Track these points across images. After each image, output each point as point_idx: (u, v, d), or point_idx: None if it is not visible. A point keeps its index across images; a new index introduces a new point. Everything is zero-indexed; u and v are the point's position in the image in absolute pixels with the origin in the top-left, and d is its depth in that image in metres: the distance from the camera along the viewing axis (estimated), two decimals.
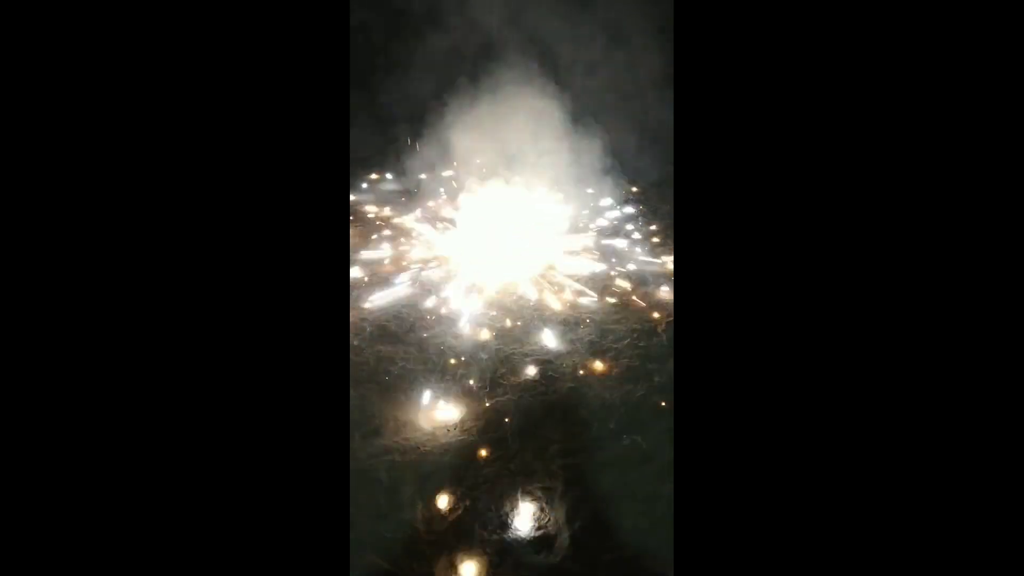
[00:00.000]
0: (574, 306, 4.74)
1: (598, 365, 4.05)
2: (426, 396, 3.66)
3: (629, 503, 2.94)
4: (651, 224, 6.13)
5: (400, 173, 6.72)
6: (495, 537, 2.76)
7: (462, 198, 5.80)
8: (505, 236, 5.35)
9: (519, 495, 2.98)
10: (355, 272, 5.06)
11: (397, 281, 4.87)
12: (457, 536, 2.76)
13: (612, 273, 5.22)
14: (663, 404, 3.64)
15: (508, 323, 4.49)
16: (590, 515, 2.90)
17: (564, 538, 2.75)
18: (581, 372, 3.95)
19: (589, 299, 4.83)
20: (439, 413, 3.56)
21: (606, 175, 6.32)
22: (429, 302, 4.67)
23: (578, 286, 5.00)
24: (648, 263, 5.38)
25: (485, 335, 4.33)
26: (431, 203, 6.36)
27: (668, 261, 5.41)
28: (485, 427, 3.46)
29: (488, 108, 5.77)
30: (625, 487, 3.04)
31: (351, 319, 4.38)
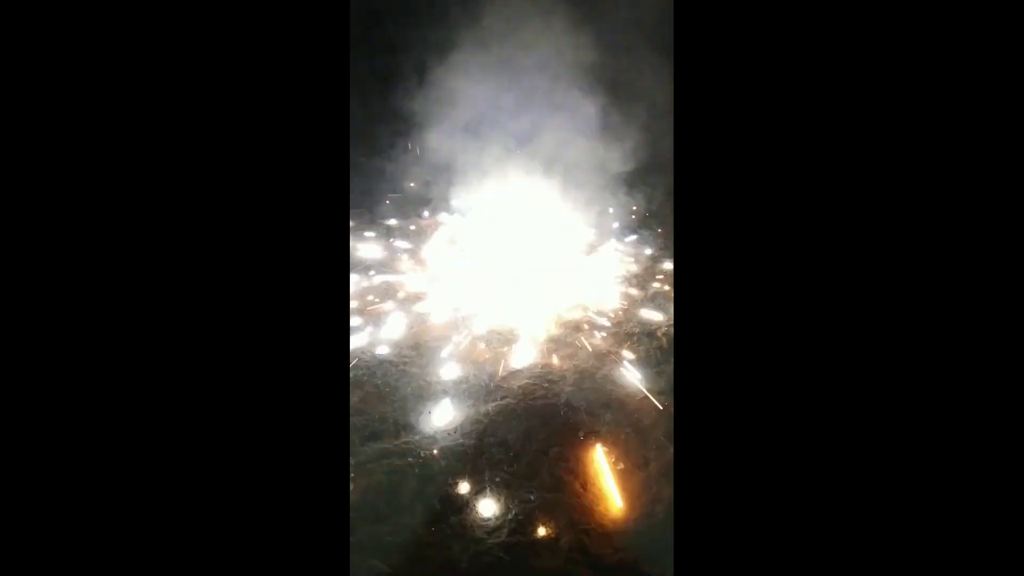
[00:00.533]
0: (575, 311, 4.75)
1: (598, 368, 4.05)
2: (426, 400, 3.67)
3: (630, 505, 2.94)
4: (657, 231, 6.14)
5: (405, 181, 6.67)
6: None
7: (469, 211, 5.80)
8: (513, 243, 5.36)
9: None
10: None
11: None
12: (457, 539, 2.76)
13: (616, 279, 5.24)
14: (662, 407, 3.64)
15: (509, 329, 4.49)
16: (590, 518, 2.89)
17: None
18: (580, 376, 3.95)
19: (590, 304, 4.84)
20: (439, 417, 3.56)
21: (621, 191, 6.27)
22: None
23: (579, 292, 5.01)
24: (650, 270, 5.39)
25: (485, 341, 4.33)
26: (434, 211, 6.34)
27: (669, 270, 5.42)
28: (484, 431, 3.45)
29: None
30: (626, 490, 3.04)
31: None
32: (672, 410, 3.48)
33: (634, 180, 6.54)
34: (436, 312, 4.71)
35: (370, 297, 4.97)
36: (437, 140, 6.05)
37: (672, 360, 3.91)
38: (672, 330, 4.26)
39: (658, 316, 4.69)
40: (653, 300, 4.94)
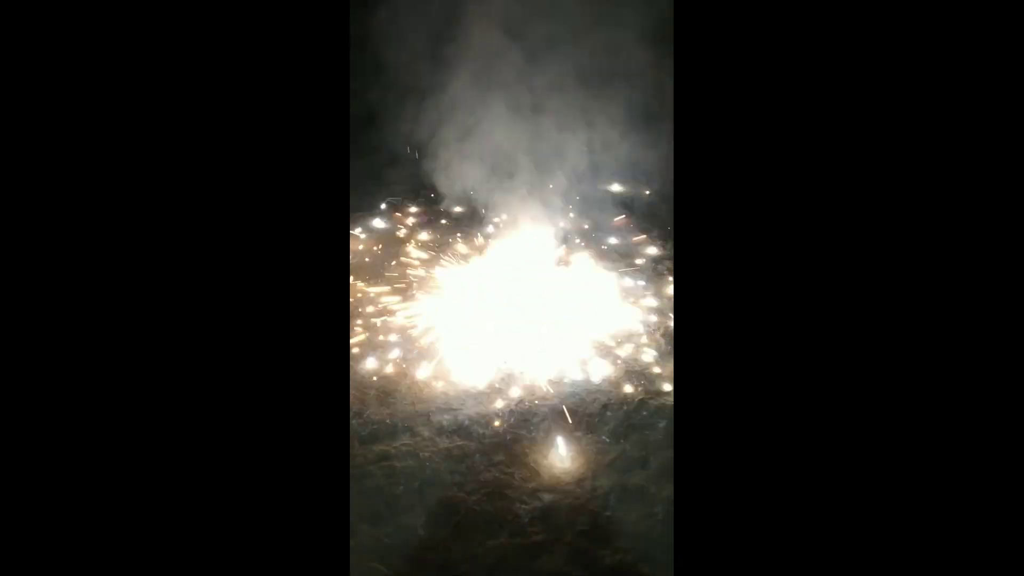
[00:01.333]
0: (573, 310, 4.74)
1: (597, 368, 4.04)
2: (428, 401, 3.66)
3: (629, 505, 2.94)
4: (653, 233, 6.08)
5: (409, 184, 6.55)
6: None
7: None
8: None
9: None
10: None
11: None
12: (458, 542, 2.75)
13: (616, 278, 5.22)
14: (662, 405, 3.64)
15: (509, 329, 4.48)
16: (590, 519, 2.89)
17: None
18: (580, 376, 3.95)
19: (588, 303, 4.84)
20: (438, 417, 3.55)
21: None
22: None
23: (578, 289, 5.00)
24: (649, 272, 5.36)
25: (486, 341, 4.32)
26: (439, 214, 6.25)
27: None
28: (485, 433, 3.45)
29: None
30: (625, 490, 3.04)
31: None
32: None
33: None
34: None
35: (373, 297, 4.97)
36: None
37: None
38: None
39: None
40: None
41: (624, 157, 5.73)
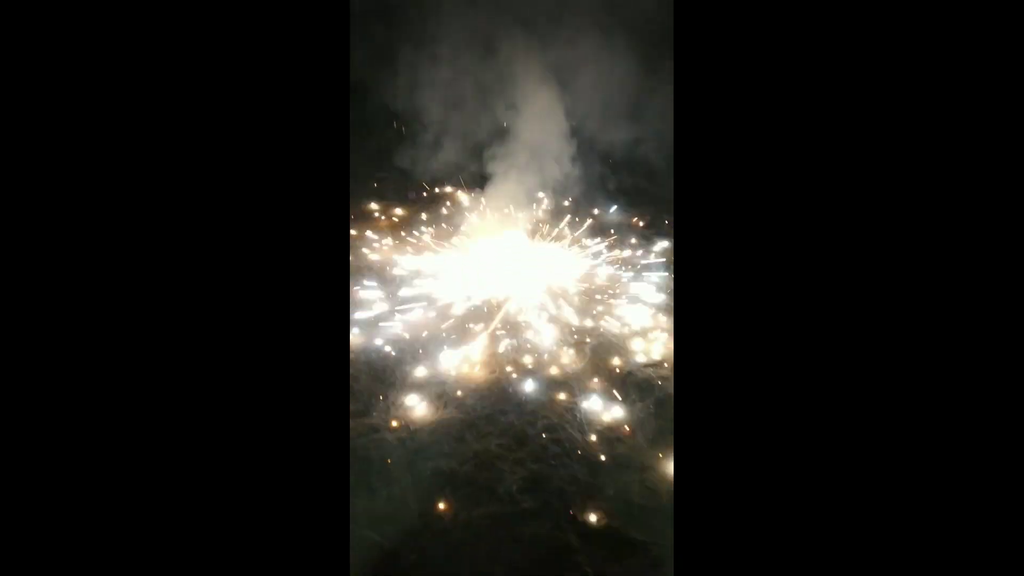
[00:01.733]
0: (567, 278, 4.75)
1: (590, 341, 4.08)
2: (417, 375, 3.68)
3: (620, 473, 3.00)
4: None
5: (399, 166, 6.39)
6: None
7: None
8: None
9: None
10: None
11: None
12: (448, 511, 2.81)
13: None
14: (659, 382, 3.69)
15: (503, 305, 4.49)
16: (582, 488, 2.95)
17: None
18: (575, 351, 3.99)
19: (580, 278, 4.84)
20: (429, 392, 3.59)
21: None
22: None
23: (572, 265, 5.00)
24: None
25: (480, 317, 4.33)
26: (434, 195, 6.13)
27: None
28: (475, 404, 3.49)
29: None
30: (615, 459, 3.10)
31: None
32: None
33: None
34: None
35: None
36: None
37: None
38: None
39: None
40: None
41: (620, 140, 5.70)
